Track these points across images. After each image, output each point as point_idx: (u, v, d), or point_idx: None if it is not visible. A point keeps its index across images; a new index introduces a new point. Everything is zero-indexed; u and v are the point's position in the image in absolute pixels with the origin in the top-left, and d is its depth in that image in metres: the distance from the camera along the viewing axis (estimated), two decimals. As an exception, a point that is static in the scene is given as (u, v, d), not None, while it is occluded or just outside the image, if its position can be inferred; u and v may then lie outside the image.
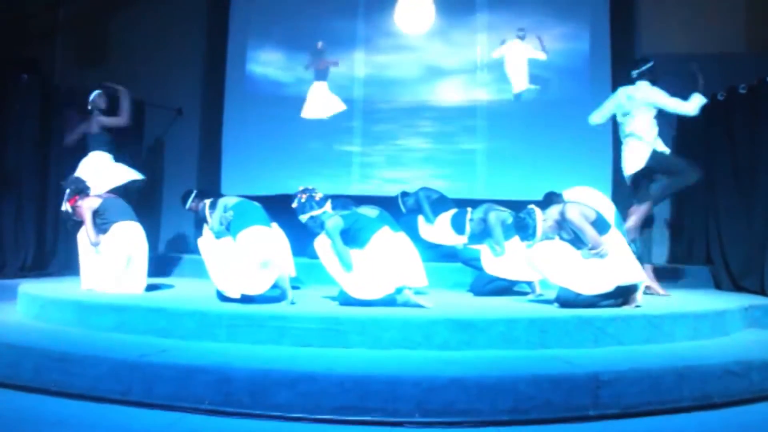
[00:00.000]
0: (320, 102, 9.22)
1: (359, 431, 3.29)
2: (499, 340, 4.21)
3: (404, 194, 7.72)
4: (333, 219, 5.01)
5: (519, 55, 8.96)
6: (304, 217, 5.18)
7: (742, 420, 3.54)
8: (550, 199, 6.41)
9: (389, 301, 4.84)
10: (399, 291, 4.87)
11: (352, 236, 4.99)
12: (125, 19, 9.34)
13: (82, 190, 5.87)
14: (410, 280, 4.89)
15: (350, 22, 9.35)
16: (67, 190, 5.91)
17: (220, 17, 9.55)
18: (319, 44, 9.24)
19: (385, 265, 4.86)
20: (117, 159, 6.81)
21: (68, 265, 6.71)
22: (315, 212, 5.12)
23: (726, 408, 3.65)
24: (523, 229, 5.09)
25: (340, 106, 9.17)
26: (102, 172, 6.51)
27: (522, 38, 8.92)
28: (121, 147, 8.50)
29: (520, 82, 8.97)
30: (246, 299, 4.88)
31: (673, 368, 3.69)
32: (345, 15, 9.36)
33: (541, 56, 8.85)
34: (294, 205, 5.22)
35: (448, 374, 3.50)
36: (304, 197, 5.18)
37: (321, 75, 9.31)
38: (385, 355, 3.98)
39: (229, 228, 5.14)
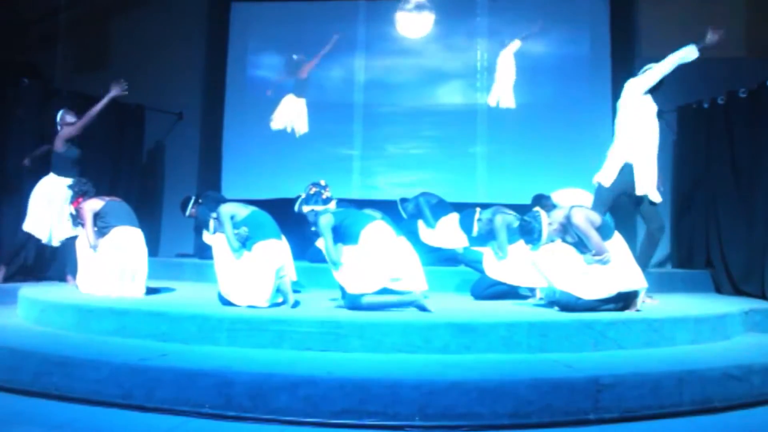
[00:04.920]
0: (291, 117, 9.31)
1: (359, 435, 3.30)
2: (500, 343, 4.21)
3: (403, 200, 7.73)
4: (325, 216, 5.05)
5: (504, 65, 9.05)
6: (306, 208, 5.20)
7: (742, 424, 3.53)
8: (538, 201, 6.43)
9: (397, 304, 4.84)
10: (408, 293, 4.87)
11: (343, 233, 5.01)
12: (126, 24, 9.37)
13: (85, 192, 5.90)
14: (410, 283, 4.89)
15: (351, 27, 9.37)
16: (71, 192, 5.94)
17: (220, 22, 9.59)
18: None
19: (377, 258, 4.84)
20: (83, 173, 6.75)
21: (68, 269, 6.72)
22: (318, 207, 5.15)
23: (726, 412, 3.65)
24: (529, 232, 5.08)
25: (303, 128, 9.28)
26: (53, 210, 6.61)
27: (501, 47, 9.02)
28: (122, 153, 8.57)
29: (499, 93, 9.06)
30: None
31: (673, 372, 3.69)
32: (346, 19, 9.39)
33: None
34: (302, 195, 5.25)
35: (448, 378, 3.51)
36: (313, 190, 5.21)
37: (301, 90, 9.35)
38: (385, 359, 3.98)
39: (245, 243, 5.11)
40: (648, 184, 5.53)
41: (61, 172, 6.68)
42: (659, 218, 5.71)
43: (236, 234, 5.03)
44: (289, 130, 9.33)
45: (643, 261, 5.56)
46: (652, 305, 5.28)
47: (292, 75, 9.42)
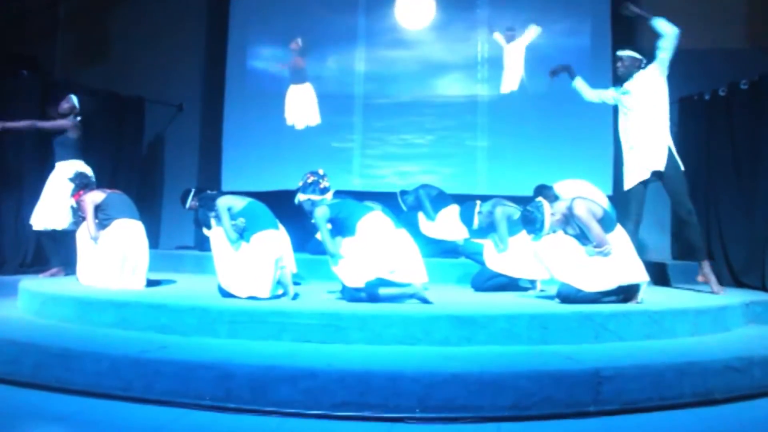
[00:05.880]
0: (302, 109, 9.31)
1: (360, 427, 3.29)
2: (500, 335, 4.21)
3: (403, 192, 7.73)
4: (321, 208, 5.03)
5: (514, 56, 9.00)
6: (302, 197, 5.19)
7: (743, 416, 3.53)
8: (540, 192, 6.42)
9: (397, 297, 4.84)
10: (408, 285, 4.87)
11: (340, 225, 5.00)
12: (125, 16, 9.35)
13: (86, 184, 5.90)
14: (411, 275, 4.88)
15: (351, 18, 9.34)
16: (72, 185, 5.93)
17: (220, 13, 9.56)
18: (297, 43, 9.32)
19: (374, 250, 4.83)
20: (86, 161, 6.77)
21: (68, 262, 6.73)
22: (315, 197, 5.14)
23: (727, 404, 3.64)
24: (531, 222, 5.07)
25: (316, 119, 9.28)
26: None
27: (510, 39, 8.96)
28: (122, 145, 8.57)
29: (510, 82, 9.02)
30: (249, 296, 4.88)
31: (674, 364, 3.69)
32: (346, 10, 9.35)
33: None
34: (300, 183, 5.23)
35: (448, 370, 3.50)
36: (311, 179, 5.19)
37: (300, 77, 9.34)
38: (385, 351, 3.97)
39: (243, 234, 5.10)
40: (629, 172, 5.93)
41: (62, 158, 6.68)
42: (684, 203, 5.81)
43: (233, 225, 5.03)
44: (300, 121, 9.29)
45: (695, 249, 5.85)
46: (717, 294, 5.59)
47: (295, 63, 9.40)
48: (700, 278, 5.88)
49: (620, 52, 6.04)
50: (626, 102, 5.96)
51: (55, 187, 6.60)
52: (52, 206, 6.59)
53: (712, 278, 5.79)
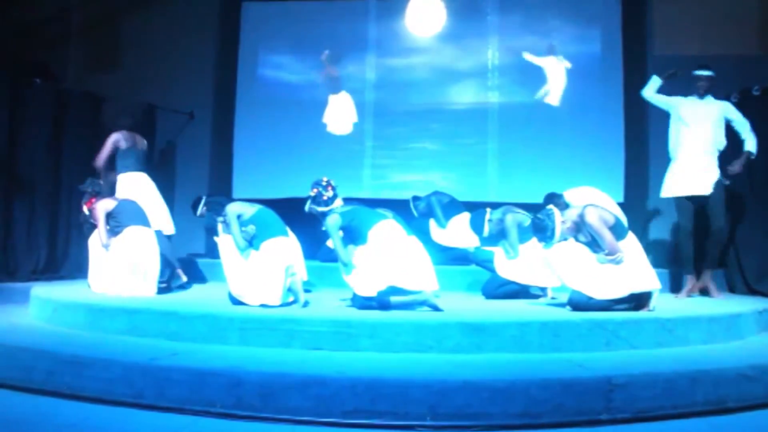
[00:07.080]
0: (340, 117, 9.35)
1: (370, 435, 3.29)
2: (511, 343, 4.20)
3: (415, 198, 7.72)
4: (332, 217, 5.04)
5: (559, 72, 8.98)
6: (312, 206, 5.22)
7: (757, 425, 3.50)
8: (551, 200, 6.41)
9: (408, 304, 4.83)
10: (418, 292, 4.86)
11: (352, 233, 5.00)
12: (137, 24, 9.39)
13: (98, 192, 5.92)
14: (421, 282, 4.87)
15: (361, 25, 9.36)
16: (85, 193, 5.96)
17: (231, 21, 9.60)
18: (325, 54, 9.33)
19: (385, 258, 4.83)
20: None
21: (80, 269, 6.76)
22: (322, 208, 5.16)
23: (740, 413, 3.61)
24: (542, 230, 5.06)
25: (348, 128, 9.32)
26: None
27: (556, 54, 8.96)
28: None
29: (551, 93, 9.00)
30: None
31: (686, 372, 3.66)
32: (356, 18, 9.37)
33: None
34: (311, 193, 5.27)
35: (459, 378, 3.49)
36: (314, 192, 5.21)
37: (335, 86, 9.37)
38: (396, 359, 3.97)
39: (252, 242, 5.11)
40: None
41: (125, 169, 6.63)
42: (719, 219, 6.07)
43: (244, 232, 5.05)
44: (342, 128, 9.32)
45: (709, 261, 6.10)
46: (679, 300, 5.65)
47: (328, 73, 9.43)
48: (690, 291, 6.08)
49: (705, 72, 6.24)
50: (687, 116, 6.14)
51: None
52: None
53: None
